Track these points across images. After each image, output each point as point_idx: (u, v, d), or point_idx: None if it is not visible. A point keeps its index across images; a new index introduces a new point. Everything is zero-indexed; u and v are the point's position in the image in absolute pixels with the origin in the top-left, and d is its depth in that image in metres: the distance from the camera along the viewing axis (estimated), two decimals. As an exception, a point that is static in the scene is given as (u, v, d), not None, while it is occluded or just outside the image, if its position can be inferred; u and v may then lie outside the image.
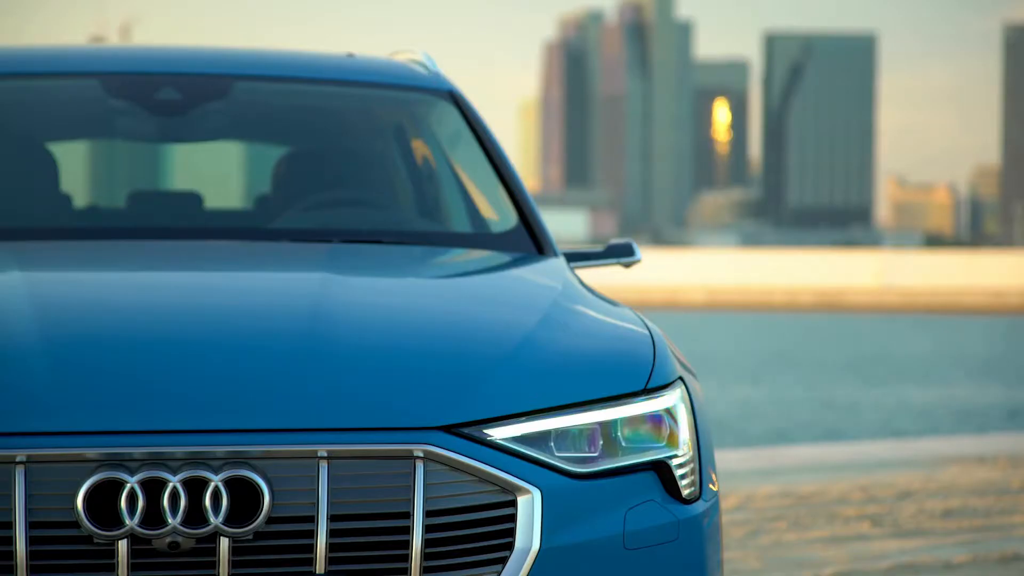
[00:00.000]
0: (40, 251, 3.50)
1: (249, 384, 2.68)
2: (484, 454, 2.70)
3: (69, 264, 3.43)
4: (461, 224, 4.19)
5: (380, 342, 2.84)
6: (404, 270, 3.55)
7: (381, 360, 2.78)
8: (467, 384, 2.77)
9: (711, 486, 2.96)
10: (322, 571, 2.61)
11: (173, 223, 3.98)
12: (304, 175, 4.26)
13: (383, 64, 4.39)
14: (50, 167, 4.11)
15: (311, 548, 2.61)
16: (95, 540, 2.55)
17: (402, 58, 4.51)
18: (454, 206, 4.25)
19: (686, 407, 2.95)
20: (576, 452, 2.78)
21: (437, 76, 4.32)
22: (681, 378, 2.99)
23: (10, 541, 2.53)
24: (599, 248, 4.13)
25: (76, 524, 2.55)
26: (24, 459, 2.55)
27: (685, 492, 2.87)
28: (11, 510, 2.53)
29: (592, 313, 3.18)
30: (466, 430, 2.71)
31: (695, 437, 2.94)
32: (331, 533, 2.61)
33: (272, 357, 2.74)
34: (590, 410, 2.81)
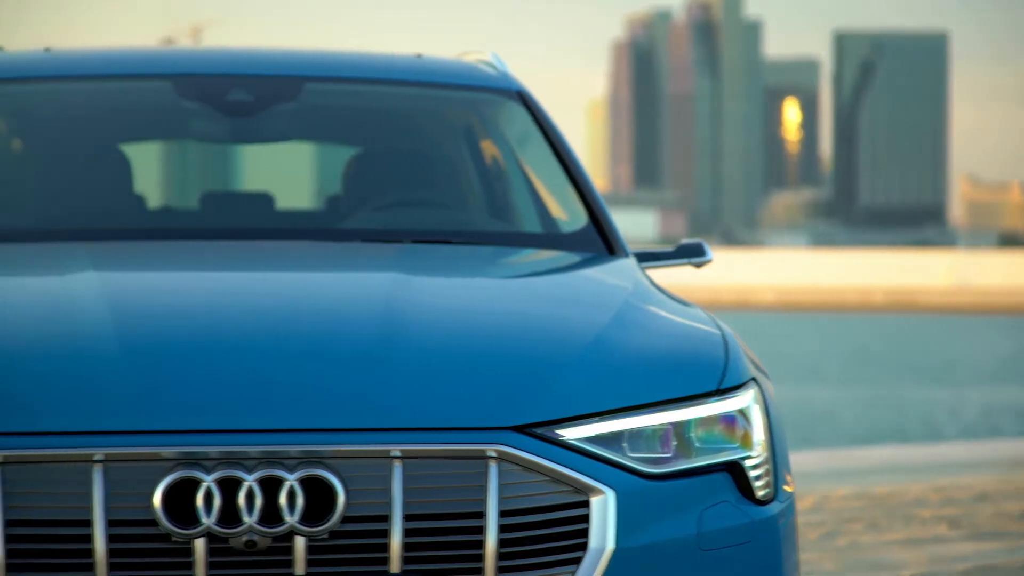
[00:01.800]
0: (115, 252, 3.53)
1: (322, 384, 2.69)
2: (557, 454, 2.69)
3: (143, 265, 3.46)
4: (531, 224, 4.18)
5: (452, 342, 2.84)
6: (474, 270, 3.55)
7: (453, 360, 2.78)
8: (539, 384, 2.76)
9: (786, 487, 2.94)
10: (397, 571, 2.61)
11: (245, 224, 4.00)
12: (374, 176, 4.27)
13: (452, 65, 4.40)
14: (124, 168, 4.14)
15: (385, 548, 2.61)
16: (173, 538, 2.57)
17: (471, 59, 4.52)
18: (523, 206, 4.25)
19: (760, 408, 2.93)
20: (649, 453, 2.77)
21: (506, 76, 4.32)
22: (754, 379, 2.97)
23: (89, 539, 2.55)
24: (669, 248, 4.12)
25: (154, 522, 2.56)
26: (102, 458, 2.57)
27: (759, 493, 2.85)
28: (90, 508, 2.55)
29: (663, 313, 3.16)
30: (539, 430, 2.71)
31: (769, 438, 2.92)
32: (405, 533, 2.61)
33: (345, 357, 2.74)
34: (663, 410, 2.80)
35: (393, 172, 4.26)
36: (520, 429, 2.70)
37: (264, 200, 4.32)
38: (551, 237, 4.04)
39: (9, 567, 2.53)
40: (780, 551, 2.85)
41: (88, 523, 2.55)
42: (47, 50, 4.35)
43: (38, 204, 4.03)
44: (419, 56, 4.46)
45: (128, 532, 2.56)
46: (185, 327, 2.84)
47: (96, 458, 2.56)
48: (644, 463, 2.76)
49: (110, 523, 2.55)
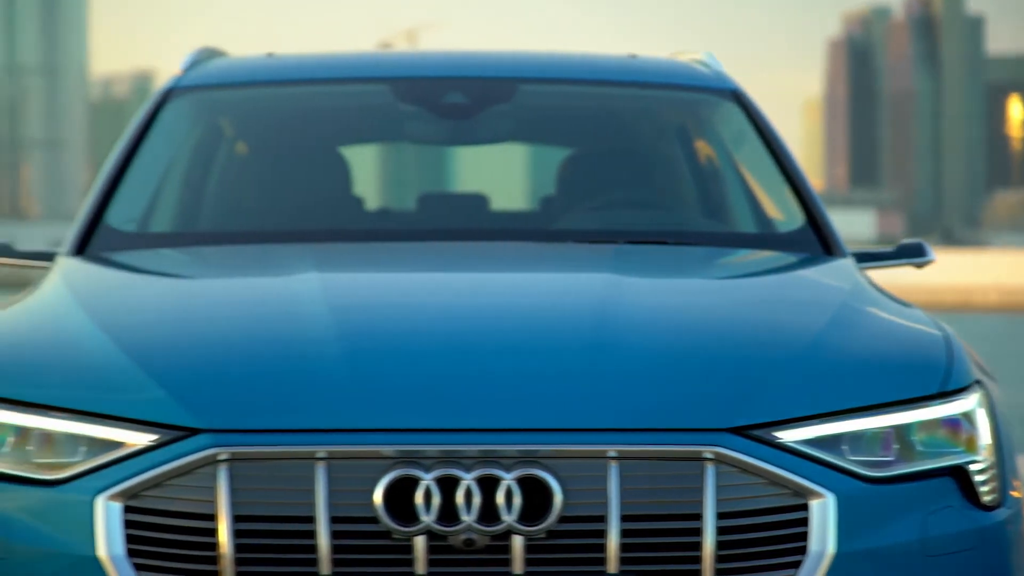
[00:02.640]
0: (335, 253, 3.59)
1: (539, 384, 2.70)
2: (775, 456, 2.66)
3: (363, 265, 3.52)
4: (746, 224, 4.15)
5: (667, 343, 2.83)
6: (689, 271, 3.53)
7: (669, 361, 2.77)
8: (756, 386, 2.73)
9: (1013, 493, 2.86)
10: (615, 571, 2.61)
11: (461, 225, 4.04)
12: (588, 176, 4.28)
13: (666, 64, 4.38)
14: (343, 170, 4.22)
15: (602, 548, 2.61)
16: (393, 536, 2.60)
17: (685, 58, 4.49)
18: (739, 206, 4.21)
19: (985, 411, 2.86)
20: (870, 456, 2.72)
21: (720, 76, 4.29)
22: (979, 381, 2.90)
23: (313, 535, 2.60)
24: (889, 248, 4.04)
25: (375, 519, 2.60)
26: (325, 455, 2.62)
27: (986, 499, 2.78)
28: (314, 505, 2.60)
29: (883, 314, 3.11)
30: (756, 432, 2.68)
31: (995, 442, 2.85)
32: (623, 533, 2.61)
33: (560, 357, 2.75)
34: (883, 413, 2.75)
35: (607, 173, 4.26)
36: (738, 431, 2.67)
37: (479, 201, 4.37)
38: (767, 237, 4.00)
39: (237, 561, 2.59)
40: (1009, 558, 2.78)
41: (311, 519, 2.60)
42: (269, 55, 4.46)
43: (261, 206, 4.13)
44: (633, 56, 4.45)
45: (350, 529, 2.60)
46: (404, 327, 2.88)
47: (319, 456, 2.61)
48: (865, 466, 2.71)
49: (332, 519, 2.60)
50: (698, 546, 2.62)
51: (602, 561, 2.61)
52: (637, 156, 4.38)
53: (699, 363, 2.77)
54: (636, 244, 3.71)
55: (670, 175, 4.35)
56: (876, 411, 2.75)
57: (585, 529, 2.61)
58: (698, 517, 2.62)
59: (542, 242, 3.78)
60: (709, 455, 2.64)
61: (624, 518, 2.61)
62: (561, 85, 4.31)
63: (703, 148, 4.38)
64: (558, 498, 2.59)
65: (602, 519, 2.61)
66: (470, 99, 4.27)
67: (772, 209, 4.11)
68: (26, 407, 2.74)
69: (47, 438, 2.71)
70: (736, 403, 2.70)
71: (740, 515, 2.63)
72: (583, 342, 2.79)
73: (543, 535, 2.60)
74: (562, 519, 2.61)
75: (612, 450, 2.63)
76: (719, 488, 2.63)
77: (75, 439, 2.69)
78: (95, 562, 2.61)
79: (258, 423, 2.64)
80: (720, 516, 2.62)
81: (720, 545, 2.62)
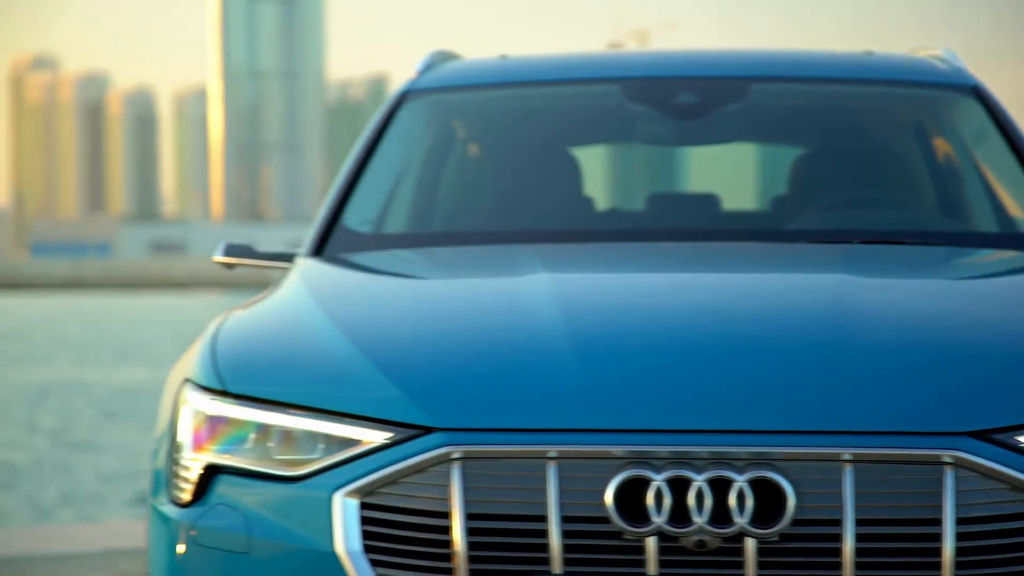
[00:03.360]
0: (565, 253, 3.61)
1: (771, 385, 2.67)
2: (1018, 462, 2.59)
3: (593, 266, 3.53)
4: (987, 224, 4.04)
5: (903, 345, 2.77)
6: (927, 271, 3.45)
7: (905, 363, 2.72)
8: (997, 389, 2.66)
9: None
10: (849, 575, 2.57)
11: (691, 225, 4.02)
12: (822, 175, 4.22)
13: (903, 61, 4.30)
14: (574, 171, 4.24)
15: (837, 552, 2.57)
16: (624, 536, 2.60)
17: (923, 54, 4.40)
18: (979, 205, 4.11)
19: None
20: None
21: (960, 72, 4.20)
22: None
23: (545, 534, 2.61)
24: None
25: (606, 520, 2.60)
26: (556, 455, 2.63)
27: None
28: (545, 504, 2.61)
29: None
30: (998, 436, 2.61)
31: None
32: (858, 538, 2.57)
33: (793, 358, 2.72)
34: None
35: (841, 172, 4.19)
36: (978, 435, 2.61)
37: (710, 201, 4.34)
38: (1010, 237, 3.89)
39: (471, 559, 2.62)
40: None
41: (543, 519, 2.61)
42: (502, 57, 4.50)
43: (492, 207, 4.17)
44: (869, 53, 4.38)
45: (581, 528, 2.61)
46: (634, 327, 2.87)
47: (550, 455, 2.62)
48: None
49: (564, 519, 2.61)
50: (937, 552, 2.56)
51: (837, 566, 2.57)
52: (872, 155, 4.30)
53: (937, 365, 2.71)
54: (870, 244, 3.64)
55: (906, 174, 4.26)
56: None
57: (819, 533, 2.58)
58: (937, 523, 2.56)
59: (773, 242, 3.74)
60: (948, 459, 2.58)
61: (859, 522, 2.57)
62: (795, 84, 4.26)
63: (941, 146, 4.28)
64: (791, 501, 2.56)
65: (836, 523, 2.57)
66: (701, 99, 4.24)
67: (1015, 208, 3.99)
68: (267, 404, 2.81)
69: (287, 435, 2.78)
70: (976, 406, 2.63)
71: (981, 521, 2.57)
72: (817, 343, 2.76)
73: (776, 538, 2.58)
74: (795, 522, 2.58)
75: (847, 453, 2.58)
76: (958, 493, 2.57)
77: (314, 436, 2.75)
78: (333, 557, 2.66)
79: (491, 422, 2.67)
80: (959, 522, 2.56)
81: (959, 552, 2.56)
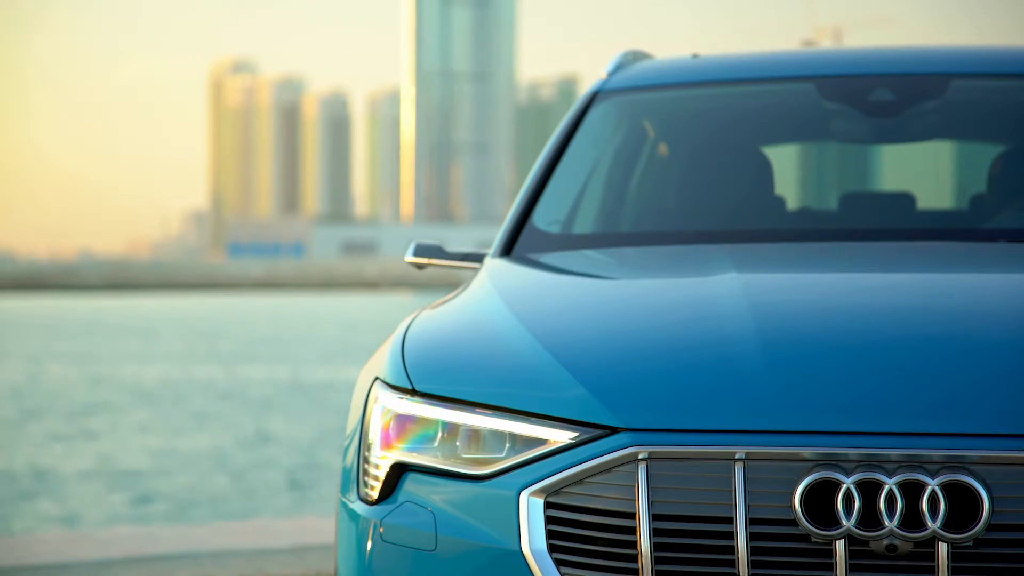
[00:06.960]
0: (755, 253, 3.58)
1: (965, 387, 2.61)
2: None
3: (784, 266, 3.48)
4: None
5: None
6: None
7: None
8: None
9: None
10: None
11: (885, 224, 3.95)
12: (1022, 174, 4.12)
13: None
14: (766, 171, 4.20)
15: None
16: (812, 539, 2.57)
17: None
18: None
19: None
20: None
21: None
22: None
23: (731, 536, 2.59)
24: None
25: (793, 522, 2.57)
26: (743, 456, 2.60)
27: None
28: (732, 505, 2.59)
29: None
30: None
31: None
32: None
33: (988, 360, 2.65)
34: None
35: (1043, 170, 4.09)
36: None
37: (905, 200, 4.26)
38: None
39: (656, 560, 2.60)
40: None
41: (729, 520, 2.59)
42: (694, 56, 4.47)
43: (683, 207, 4.15)
44: (1071, 48, 4.26)
45: (768, 531, 2.58)
46: (826, 328, 2.83)
47: (738, 456, 2.60)
48: None
49: (750, 521, 2.58)
50: None
51: None
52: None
53: None
54: None
55: (1112, 173, 4.13)
56: None
57: (1016, 538, 2.51)
58: None
59: (971, 242, 3.65)
60: None
61: None
62: (995, 80, 4.16)
63: None
64: (986, 505, 2.50)
65: None
66: (898, 96, 4.17)
67: None
68: (454, 403, 2.83)
69: (474, 434, 2.79)
70: None
71: None
72: (1012, 345, 2.69)
73: (969, 543, 2.52)
74: (990, 527, 2.51)
75: None
76: None
77: (500, 435, 2.77)
78: (519, 556, 2.67)
79: (677, 423, 2.65)
80: None
81: None
